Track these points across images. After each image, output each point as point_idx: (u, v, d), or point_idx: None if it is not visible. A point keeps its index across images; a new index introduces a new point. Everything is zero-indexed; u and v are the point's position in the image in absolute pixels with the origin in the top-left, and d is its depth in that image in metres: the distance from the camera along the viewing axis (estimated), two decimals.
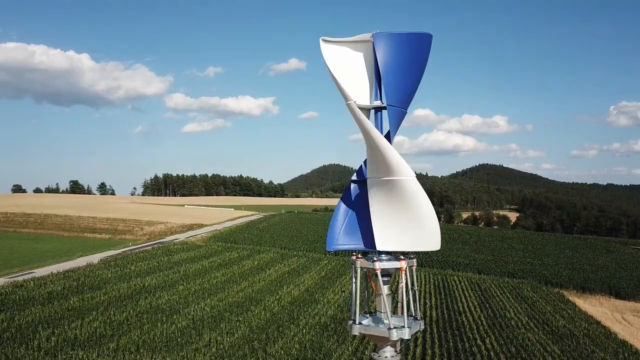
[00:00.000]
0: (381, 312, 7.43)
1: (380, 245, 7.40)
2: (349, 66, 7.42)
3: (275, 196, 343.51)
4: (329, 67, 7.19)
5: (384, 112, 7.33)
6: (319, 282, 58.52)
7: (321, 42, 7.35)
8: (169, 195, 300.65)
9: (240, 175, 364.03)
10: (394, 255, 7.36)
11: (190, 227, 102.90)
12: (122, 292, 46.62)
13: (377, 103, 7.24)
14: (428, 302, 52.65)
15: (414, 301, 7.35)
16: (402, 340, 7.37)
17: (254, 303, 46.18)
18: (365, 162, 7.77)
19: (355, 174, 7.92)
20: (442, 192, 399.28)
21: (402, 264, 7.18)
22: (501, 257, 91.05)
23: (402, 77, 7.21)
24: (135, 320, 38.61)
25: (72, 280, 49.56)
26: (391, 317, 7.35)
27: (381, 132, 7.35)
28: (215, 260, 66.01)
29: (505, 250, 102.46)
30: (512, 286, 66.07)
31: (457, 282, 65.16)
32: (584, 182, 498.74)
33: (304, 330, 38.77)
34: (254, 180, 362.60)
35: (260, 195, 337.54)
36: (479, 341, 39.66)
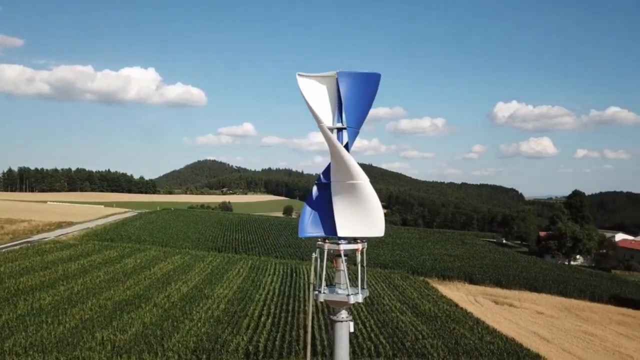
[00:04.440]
0: (339, 283, 9.90)
1: (340, 232, 9.85)
2: (317, 95, 9.76)
3: (146, 192, 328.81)
4: (304, 95, 9.48)
5: (344, 131, 9.80)
6: (206, 278, 59.19)
7: (297, 76, 9.62)
8: (26, 191, 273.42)
9: (108, 169, 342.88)
10: (351, 240, 9.87)
11: (59, 225, 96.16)
12: None
13: (339, 125, 9.66)
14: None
15: (363, 275, 9.93)
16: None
17: (144, 300, 45.83)
18: (324, 171, 10.23)
19: (317, 179, 10.33)
20: None
21: (359, 246, 9.72)
22: (373, 250, 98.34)
23: (357, 105, 9.73)
24: (17, 323, 36.57)
25: None
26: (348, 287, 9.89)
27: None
28: (95, 259, 63.34)
29: (377, 244, 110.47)
30: (384, 276, 72.26)
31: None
32: (442, 181, 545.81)
33: (199, 324, 39.73)
34: (123, 175, 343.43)
35: (130, 191, 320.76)
36: (360, 325, 43.69)
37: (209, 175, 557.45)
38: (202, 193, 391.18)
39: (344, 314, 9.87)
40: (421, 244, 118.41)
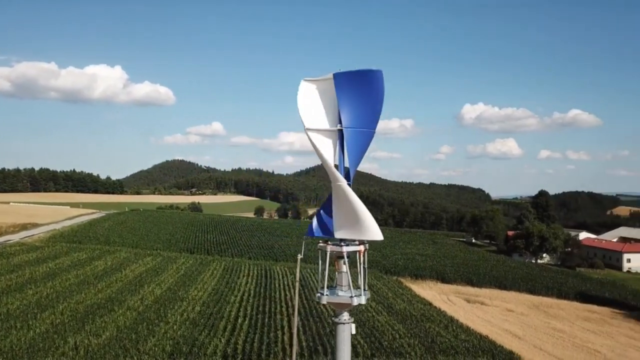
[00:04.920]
0: (341, 285, 9.87)
1: (336, 234, 9.83)
2: (312, 99, 9.64)
3: (113, 193, 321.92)
4: (297, 100, 9.40)
5: (344, 132, 9.70)
6: (179, 280, 58.33)
7: (302, 82, 9.55)
8: None
9: (73, 169, 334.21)
10: (350, 243, 9.83)
11: (24, 227, 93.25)
12: None
13: (338, 127, 9.60)
14: (289, 294, 55.89)
15: (365, 277, 9.93)
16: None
17: (117, 303, 44.85)
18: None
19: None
20: (287, 189, 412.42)
21: (361, 247, 9.70)
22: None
23: (359, 104, 9.60)
24: None
25: None
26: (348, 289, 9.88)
27: (342, 148, 9.78)
28: (64, 262, 61.64)
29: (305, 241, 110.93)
30: (356, 275, 72.60)
31: (312, 274, 69.63)
32: (410, 181, 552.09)
33: (175, 327, 39.10)
34: (89, 175, 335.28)
35: (96, 191, 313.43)
36: None
37: (178, 175, 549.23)
38: (170, 193, 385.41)
39: (345, 316, 9.85)
40: (392, 243, 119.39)
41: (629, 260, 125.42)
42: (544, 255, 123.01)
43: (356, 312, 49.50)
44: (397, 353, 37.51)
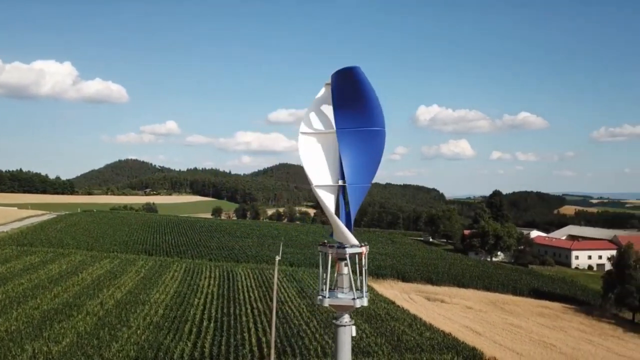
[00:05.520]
0: (342, 287, 9.82)
1: (335, 236, 9.88)
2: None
3: (63, 193, 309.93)
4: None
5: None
6: (140, 283, 56.81)
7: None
8: None
9: (20, 169, 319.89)
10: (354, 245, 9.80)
11: None
12: None
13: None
14: (253, 295, 55.39)
15: (365, 279, 9.90)
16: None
17: (75, 308, 43.23)
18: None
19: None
20: (245, 189, 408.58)
21: (363, 249, 9.68)
22: (309, 250, 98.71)
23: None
24: None
25: None
26: (346, 292, 9.85)
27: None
28: (15, 266, 58.91)
29: (311, 244, 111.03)
30: None
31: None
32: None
33: (139, 332, 38.07)
34: (37, 175, 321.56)
35: (45, 192, 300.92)
36: (304, 326, 43.75)
37: (131, 175, 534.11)
38: (124, 194, 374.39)
39: (346, 318, 9.80)
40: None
41: (577, 257, 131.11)
42: (499, 253, 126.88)
43: (322, 312, 49.62)
44: (365, 352, 37.78)
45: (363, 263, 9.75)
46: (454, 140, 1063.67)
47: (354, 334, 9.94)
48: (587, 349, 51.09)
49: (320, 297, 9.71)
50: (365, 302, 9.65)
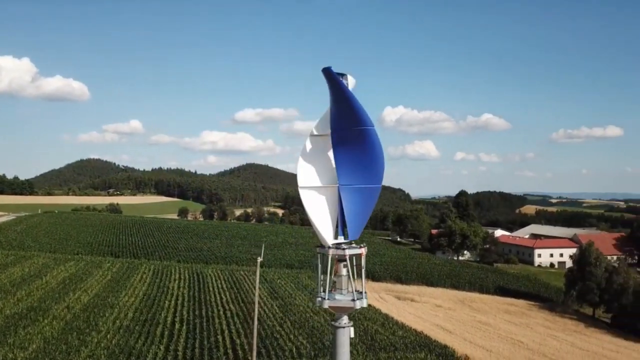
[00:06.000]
0: (340, 289, 9.78)
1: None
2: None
3: (22, 194, 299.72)
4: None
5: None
6: (107, 285, 55.44)
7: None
8: None
9: None
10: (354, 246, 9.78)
11: None
12: None
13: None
14: (224, 297, 54.75)
15: (363, 279, 9.89)
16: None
17: (41, 313, 41.84)
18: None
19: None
20: (211, 189, 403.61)
21: (363, 250, 9.67)
22: (279, 250, 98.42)
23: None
24: None
25: None
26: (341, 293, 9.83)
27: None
28: None
29: (281, 244, 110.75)
30: (292, 276, 72.42)
31: (245, 276, 68.67)
32: None
33: (108, 336, 37.11)
34: None
35: (2, 192, 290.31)
36: (278, 327, 43.54)
37: (93, 175, 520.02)
38: (86, 194, 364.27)
39: (345, 319, 9.78)
40: None
41: (539, 256, 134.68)
42: (465, 252, 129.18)
43: (295, 313, 49.50)
44: None
45: (362, 264, 9.74)
46: (419, 141, 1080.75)
47: (352, 335, 9.93)
48: (552, 345, 52.62)
49: (319, 298, 9.66)
50: (365, 303, 9.65)
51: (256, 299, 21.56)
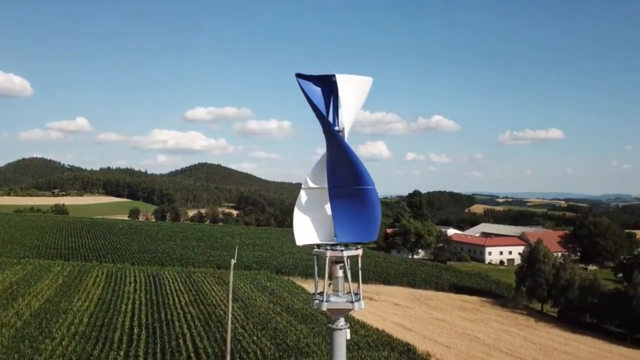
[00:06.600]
0: (337, 290, 9.73)
1: (340, 239, 9.76)
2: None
3: None
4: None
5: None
6: (59, 290, 53.23)
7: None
8: None
9: None
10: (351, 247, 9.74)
11: None
12: None
13: (337, 127, 9.50)
14: (183, 300, 53.65)
15: (359, 281, 9.89)
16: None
17: None
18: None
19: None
20: (162, 189, 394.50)
21: (359, 252, 9.65)
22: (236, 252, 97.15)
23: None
24: None
25: None
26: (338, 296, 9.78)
27: None
28: None
29: (235, 245, 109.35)
30: (251, 278, 71.81)
31: (203, 278, 67.55)
32: (289, 181, 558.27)
33: (64, 343, 35.62)
34: None
35: None
36: (240, 329, 43.05)
37: (36, 174, 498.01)
38: (29, 195, 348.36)
39: (342, 321, 9.72)
40: (279, 243, 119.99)
41: (490, 253, 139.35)
42: (420, 250, 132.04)
43: (257, 314, 49.11)
44: (304, 353, 37.79)
45: (359, 265, 9.72)
46: (372, 142, 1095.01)
47: (348, 337, 9.88)
48: (506, 339, 54.47)
49: (317, 301, 9.55)
50: (362, 305, 9.62)
51: (229, 304, 21.19)
